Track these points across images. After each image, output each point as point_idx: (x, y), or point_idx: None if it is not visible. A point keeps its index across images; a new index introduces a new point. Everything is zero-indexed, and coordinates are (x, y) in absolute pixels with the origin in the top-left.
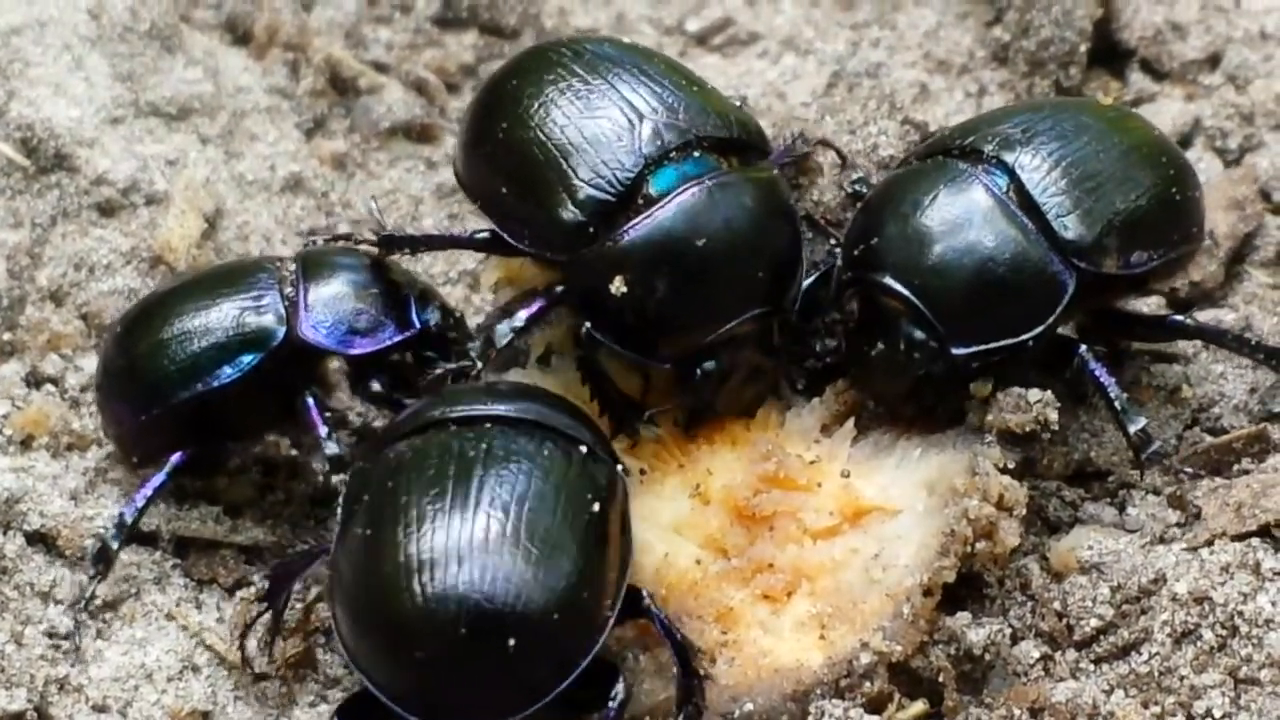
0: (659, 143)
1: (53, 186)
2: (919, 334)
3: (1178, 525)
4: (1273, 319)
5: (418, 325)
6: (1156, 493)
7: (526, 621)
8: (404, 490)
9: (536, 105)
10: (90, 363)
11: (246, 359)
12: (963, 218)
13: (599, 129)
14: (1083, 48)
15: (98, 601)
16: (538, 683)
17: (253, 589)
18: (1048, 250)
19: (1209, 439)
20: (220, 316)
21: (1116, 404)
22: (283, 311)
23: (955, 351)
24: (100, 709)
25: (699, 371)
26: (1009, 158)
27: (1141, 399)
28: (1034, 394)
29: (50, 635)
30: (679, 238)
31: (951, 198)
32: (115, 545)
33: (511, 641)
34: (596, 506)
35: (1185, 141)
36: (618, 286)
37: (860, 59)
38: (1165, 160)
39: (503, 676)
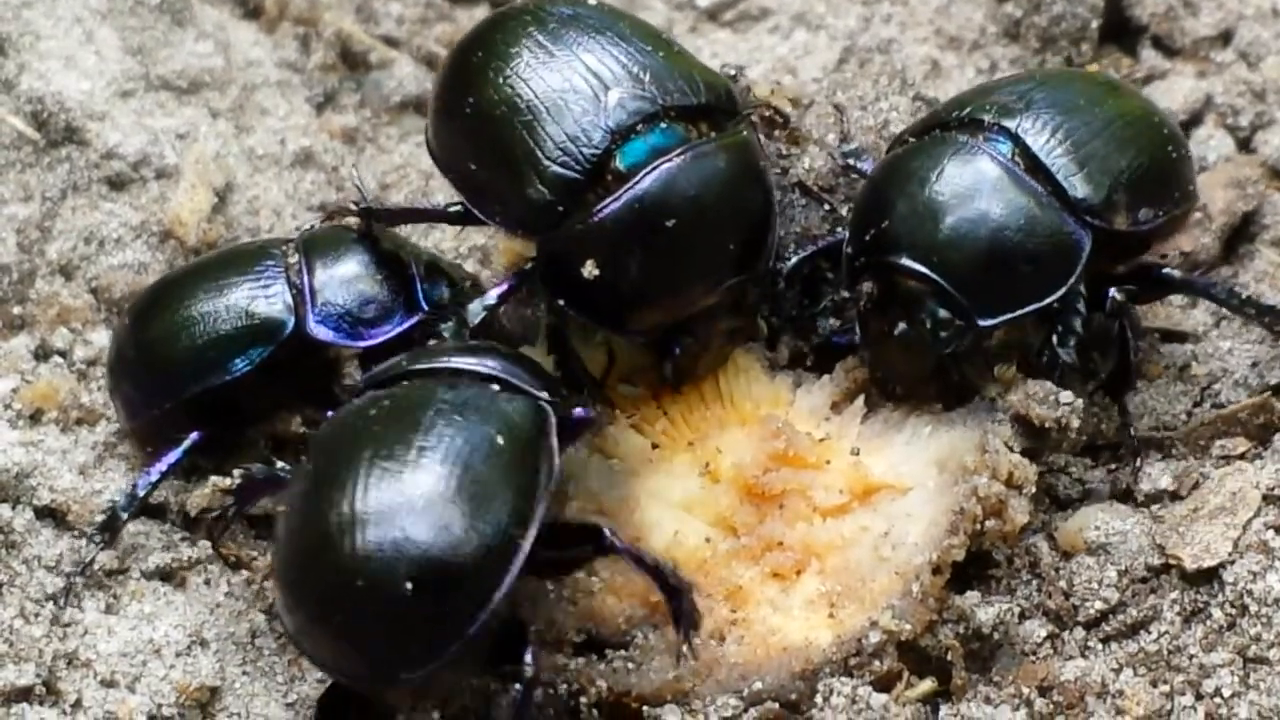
0: (625, 114)
1: (63, 160)
2: (943, 311)
3: (1187, 503)
4: None
5: (425, 307)
6: (1166, 471)
7: (424, 559)
8: (314, 459)
9: (501, 79)
10: (100, 337)
11: (256, 351)
12: (973, 188)
13: (564, 102)
14: (1094, 24)
15: (96, 568)
16: (445, 625)
17: (228, 480)
18: (1060, 211)
19: (1217, 414)
20: (229, 307)
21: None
22: (291, 301)
23: (983, 324)
24: (109, 684)
25: (676, 347)
26: (1010, 124)
27: (1151, 375)
28: (1066, 395)
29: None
30: (651, 217)
31: (959, 170)
32: (124, 515)
33: (410, 584)
34: (500, 440)
35: (1196, 119)
36: (589, 269)
37: (872, 35)
38: (1157, 121)
39: (409, 621)
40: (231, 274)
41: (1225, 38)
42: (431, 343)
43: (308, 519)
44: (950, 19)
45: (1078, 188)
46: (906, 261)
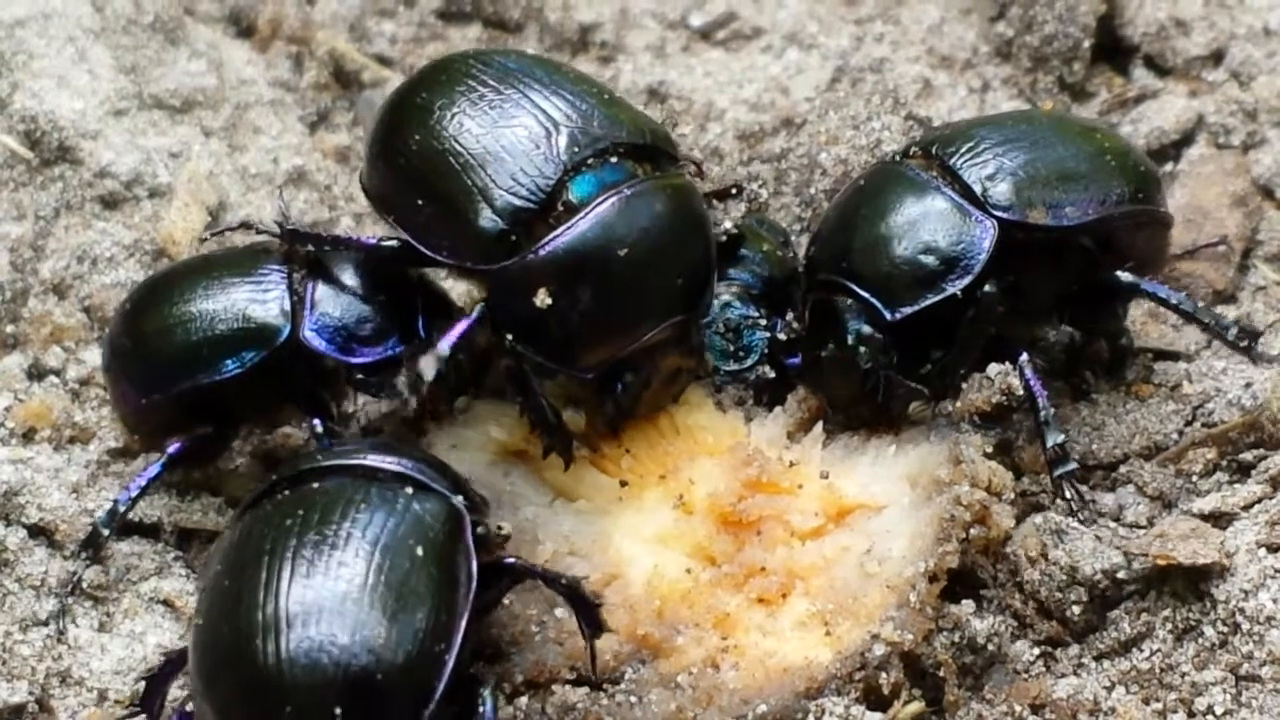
0: (576, 150)
1: (56, 179)
2: (865, 327)
3: (1179, 521)
4: (1275, 314)
5: (422, 336)
6: (1158, 489)
7: (348, 682)
8: (228, 568)
9: (450, 116)
10: (93, 355)
11: (249, 355)
12: (878, 191)
13: (516, 138)
14: (1086, 43)
15: (86, 586)
16: None
17: (127, 692)
18: (965, 206)
19: (1208, 432)
20: (226, 307)
21: (1042, 414)
22: (288, 308)
23: (890, 318)
24: (101, 701)
25: (621, 383)
26: (931, 147)
27: (1142, 394)
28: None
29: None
30: (603, 246)
31: (869, 182)
32: (106, 532)
33: (337, 709)
34: (419, 550)
35: (1188, 138)
36: (542, 299)
37: (864, 54)
38: (1096, 132)
39: None
40: (233, 274)
41: (1217, 57)
42: (390, 404)
43: (220, 639)
44: (942, 38)
45: (983, 185)
46: (823, 276)
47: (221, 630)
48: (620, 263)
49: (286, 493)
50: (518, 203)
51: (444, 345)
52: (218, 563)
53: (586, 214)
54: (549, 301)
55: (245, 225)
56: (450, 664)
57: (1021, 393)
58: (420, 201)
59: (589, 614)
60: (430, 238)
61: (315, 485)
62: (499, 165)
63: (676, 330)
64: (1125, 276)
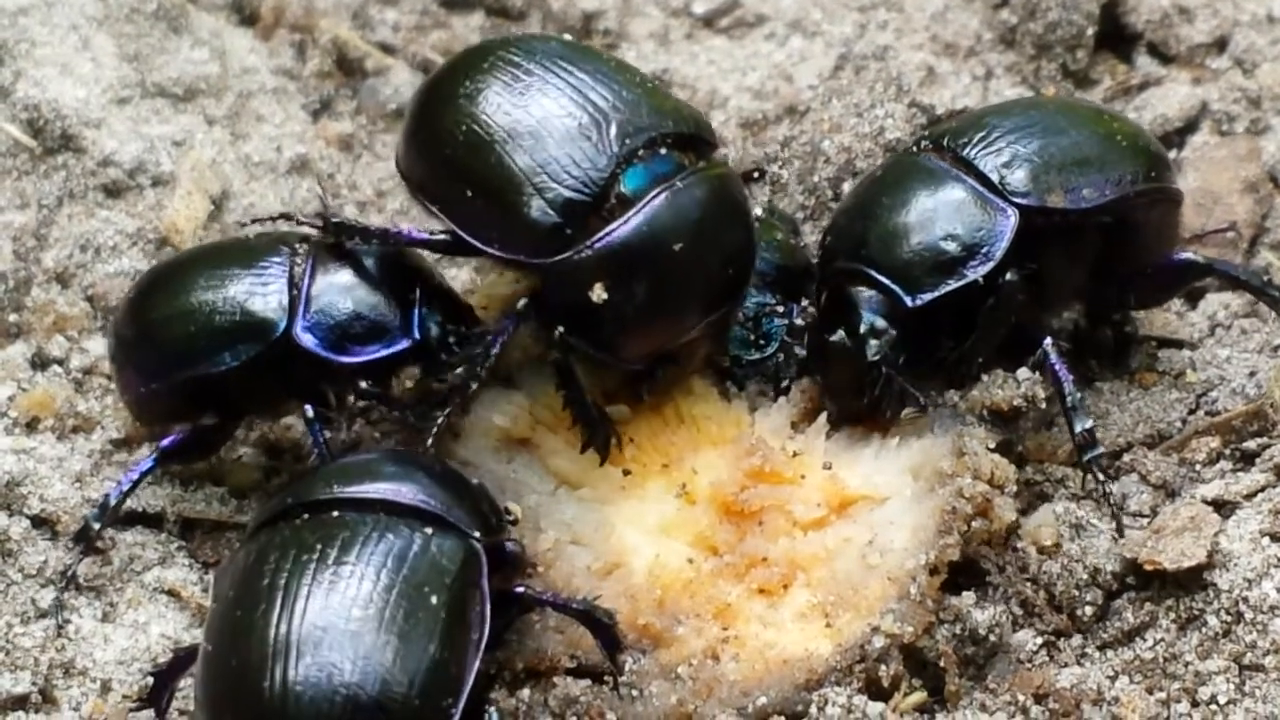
0: (627, 141)
1: (59, 167)
2: (873, 304)
3: (1181, 510)
4: None
5: (417, 336)
6: (1162, 478)
7: None
8: (240, 595)
9: (497, 103)
10: (96, 345)
11: (245, 348)
12: (898, 181)
13: (566, 127)
14: (1090, 31)
15: (83, 577)
16: None
17: (131, 682)
18: (982, 193)
19: (1211, 420)
20: (226, 298)
21: (1069, 400)
22: (286, 303)
23: (910, 305)
24: (105, 692)
25: (657, 371)
26: (941, 139)
27: (1146, 383)
28: (1023, 372)
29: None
30: (661, 241)
31: (887, 172)
32: (96, 526)
33: None
34: (434, 599)
35: (1192, 125)
36: (598, 293)
37: (867, 41)
38: (1103, 115)
39: None
40: (237, 265)
41: (1220, 44)
42: (435, 428)
43: (227, 671)
44: (946, 25)
45: (1000, 173)
46: (841, 264)
47: (229, 662)
48: (676, 257)
49: (303, 518)
50: (570, 195)
51: (479, 360)
52: (229, 586)
53: (642, 208)
54: (605, 296)
55: (285, 216)
56: (456, 716)
57: (1046, 388)
58: (469, 193)
59: (606, 635)
60: (479, 229)
61: (333, 515)
62: (550, 156)
63: (720, 320)
64: (1196, 255)
